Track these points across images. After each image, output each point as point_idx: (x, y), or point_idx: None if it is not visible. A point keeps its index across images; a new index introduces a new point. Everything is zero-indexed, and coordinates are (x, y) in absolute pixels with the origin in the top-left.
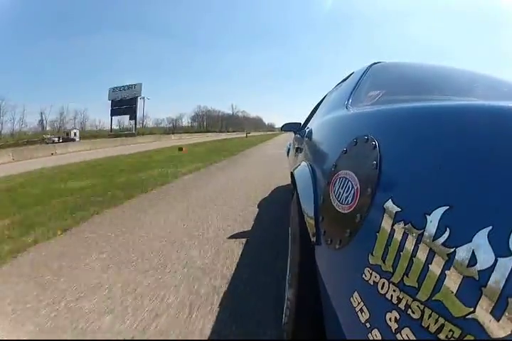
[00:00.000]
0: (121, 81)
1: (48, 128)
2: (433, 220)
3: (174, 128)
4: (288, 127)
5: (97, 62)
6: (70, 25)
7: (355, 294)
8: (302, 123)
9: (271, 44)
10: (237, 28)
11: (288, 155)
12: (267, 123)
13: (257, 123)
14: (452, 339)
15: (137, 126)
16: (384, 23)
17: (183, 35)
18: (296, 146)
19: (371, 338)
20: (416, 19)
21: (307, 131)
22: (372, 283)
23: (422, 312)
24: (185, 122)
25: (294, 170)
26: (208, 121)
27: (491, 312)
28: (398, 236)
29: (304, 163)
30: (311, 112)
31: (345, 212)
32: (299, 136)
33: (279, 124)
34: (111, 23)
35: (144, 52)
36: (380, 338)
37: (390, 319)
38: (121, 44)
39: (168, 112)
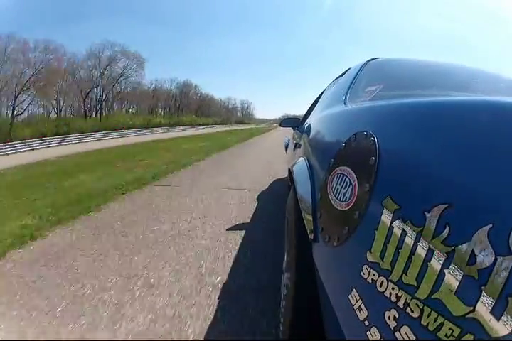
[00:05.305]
0: None
1: None
2: (432, 218)
3: None
4: (287, 123)
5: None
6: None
7: (354, 292)
8: (301, 118)
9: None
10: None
11: (286, 150)
12: (228, 102)
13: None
14: (452, 338)
15: None
16: None
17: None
18: (294, 142)
19: (370, 336)
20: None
21: (305, 126)
22: (370, 281)
23: (421, 310)
24: None
25: (292, 165)
26: None
27: (491, 312)
28: (397, 233)
29: (302, 159)
30: (310, 108)
31: (344, 209)
32: (297, 131)
33: (263, 115)
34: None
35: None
36: (378, 336)
37: (389, 317)
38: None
39: None
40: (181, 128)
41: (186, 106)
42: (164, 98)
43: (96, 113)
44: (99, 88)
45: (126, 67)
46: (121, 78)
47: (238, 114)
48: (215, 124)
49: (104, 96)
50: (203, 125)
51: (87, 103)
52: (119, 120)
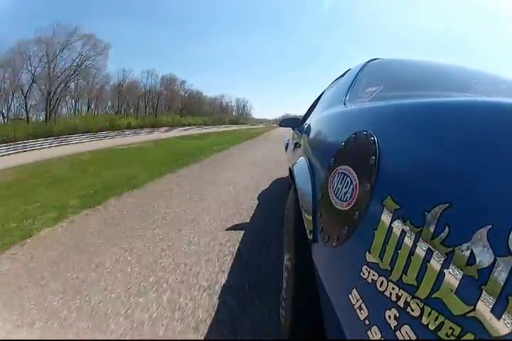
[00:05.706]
0: None
1: None
2: (432, 218)
3: None
4: (286, 123)
5: None
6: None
7: (354, 291)
8: (301, 119)
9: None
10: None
11: (286, 150)
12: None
13: None
14: (452, 337)
15: None
16: None
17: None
18: (294, 142)
19: (370, 335)
20: None
21: (305, 126)
22: (370, 281)
23: (422, 309)
24: None
25: (292, 165)
26: None
27: (492, 311)
28: (396, 234)
29: (302, 159)
30: (309, 108)
31: (344, 208)
32: (297, 131)
33: (263, 115)
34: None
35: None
36: (379, 335)
37: (390, 316)
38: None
39: None
40: (147, 130)
41: (166, 103)
42: (139, 95)
43: (46, 114)
44: (47, 83)
45: (82, 54)
46: (78, 69)
47: (234, 114)
48: (205, 125)
49: (56, 94)
50: (189, 126)
51: (34, 102)
52: (67, 122)
